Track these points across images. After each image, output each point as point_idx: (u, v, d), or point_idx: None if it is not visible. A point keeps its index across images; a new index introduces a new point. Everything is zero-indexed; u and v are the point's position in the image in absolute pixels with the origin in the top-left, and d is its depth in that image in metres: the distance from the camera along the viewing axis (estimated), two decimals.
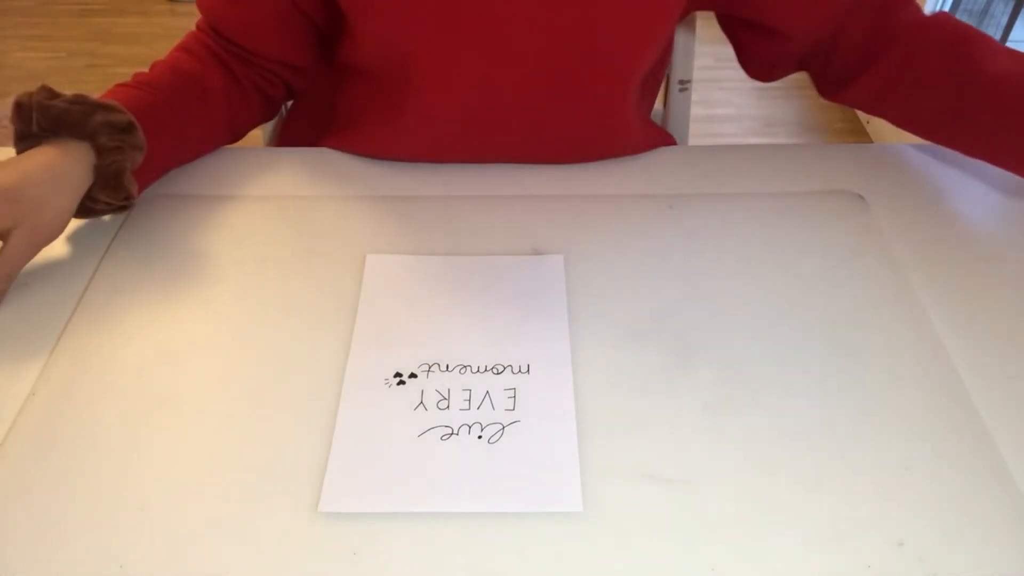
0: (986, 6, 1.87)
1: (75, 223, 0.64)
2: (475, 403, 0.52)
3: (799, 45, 0.73)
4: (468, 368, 0.54)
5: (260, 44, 0.71)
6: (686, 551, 0.44)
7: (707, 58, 2.27)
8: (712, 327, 0.57)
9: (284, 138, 0.89)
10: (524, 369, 0.54)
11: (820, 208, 0.68)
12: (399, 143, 0.72)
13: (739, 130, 2.09)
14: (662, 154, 0.75)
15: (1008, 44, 1.79)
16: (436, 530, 0.45)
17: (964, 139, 0.68)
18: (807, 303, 0.59)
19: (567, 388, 0.52)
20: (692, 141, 0.96)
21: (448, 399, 0.52)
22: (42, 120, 0.58)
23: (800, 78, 0.80)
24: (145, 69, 0.69)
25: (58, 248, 0.62)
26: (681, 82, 0.94)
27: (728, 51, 0.78)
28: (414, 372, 0.54)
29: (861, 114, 2.13)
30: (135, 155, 0.61)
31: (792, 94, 2.20)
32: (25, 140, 0.60)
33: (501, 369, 0.54)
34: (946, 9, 1.85)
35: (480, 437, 0.50)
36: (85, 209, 0.62)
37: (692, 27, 0.89)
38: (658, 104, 0.90)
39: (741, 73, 0.79)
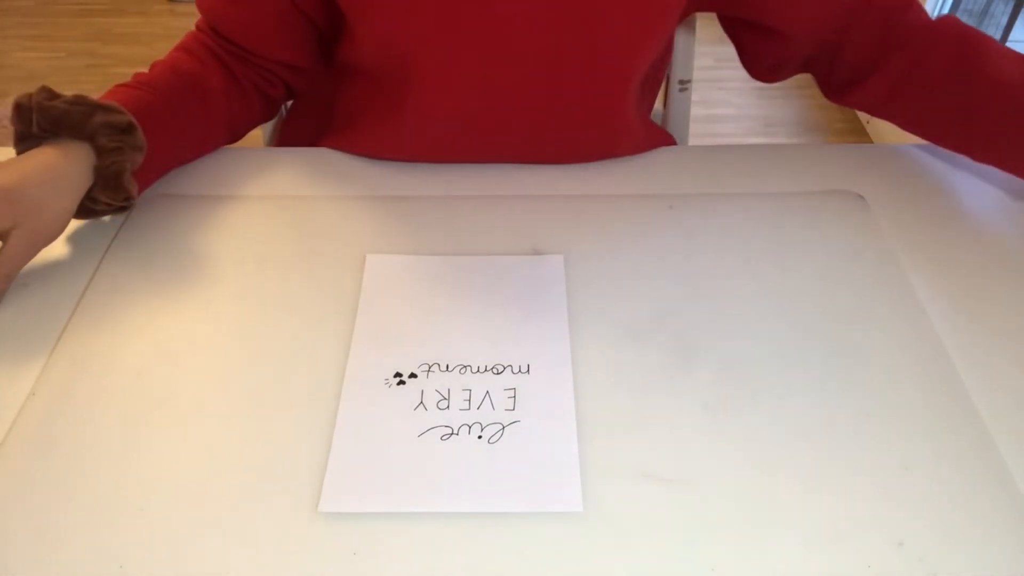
0: (986, 6, 1.87)
1: (75, 223, 0.64)
2: (475, 403, 0.52)
3: (801, 46, 0.73)
4: (468, 368, 0.54)
5: (260, 44, 0.71)
6: (686, 551, 0.44)
7: (707, 58, 2.27)
8: (712, 327, 0.57)
9: (284, 138, 0.89)
10: (524, 369, 0.54)
11: (820, 208, 0.68)
12: (399, 143, 0.72)
13: (739, 130, 2.09)
14: (662, 154, 0.75)
15: (1008, 44, 1.79)
16: (436, 530, 0.45)
17: (972, 145, 0.68)
18: (807, 303, 0.59)
19: (567, 388, 0.52)
20: (692, 141, 0.96)
21: (448, 399, 0.52)
22: (42, 121, 0.58)
23: (800, 78, 0.80)
24: (145, 69, 0.69)
25: (58, 248, 0.62)
26: (681, 82, 0.94)
27: (728, 51, 0.78)
28: (414, 372, 0.54)
29: (861, 114, 2.13)
30: (135, 156, 0.61)
31: (792, 94, 2.20)
32: (25, 141, 0.60)
33: (501, 369, 0.54)
34: (946, 9, 1.85)
35: (480, 437, 0.50)
36: (85, 210, 0.62)
37: (692, 27, 0.89)
38: (658, 104, 0.90)
39: (741, 73, 0.79)
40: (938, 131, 0.70)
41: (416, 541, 0.45)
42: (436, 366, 0.54)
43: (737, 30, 0.76)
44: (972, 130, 0.67)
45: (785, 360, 0.55)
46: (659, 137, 0.80)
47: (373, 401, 0.52)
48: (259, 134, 0.91)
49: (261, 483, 0.47)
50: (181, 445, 0.49)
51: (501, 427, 0.50)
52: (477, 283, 0.60)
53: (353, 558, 0.44)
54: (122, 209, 0.64)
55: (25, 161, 0.58)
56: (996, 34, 1.81)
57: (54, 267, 0.62)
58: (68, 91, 0.61)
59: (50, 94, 0.60)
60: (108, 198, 0.61)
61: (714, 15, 0.76)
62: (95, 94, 0.62)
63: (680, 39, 0.90)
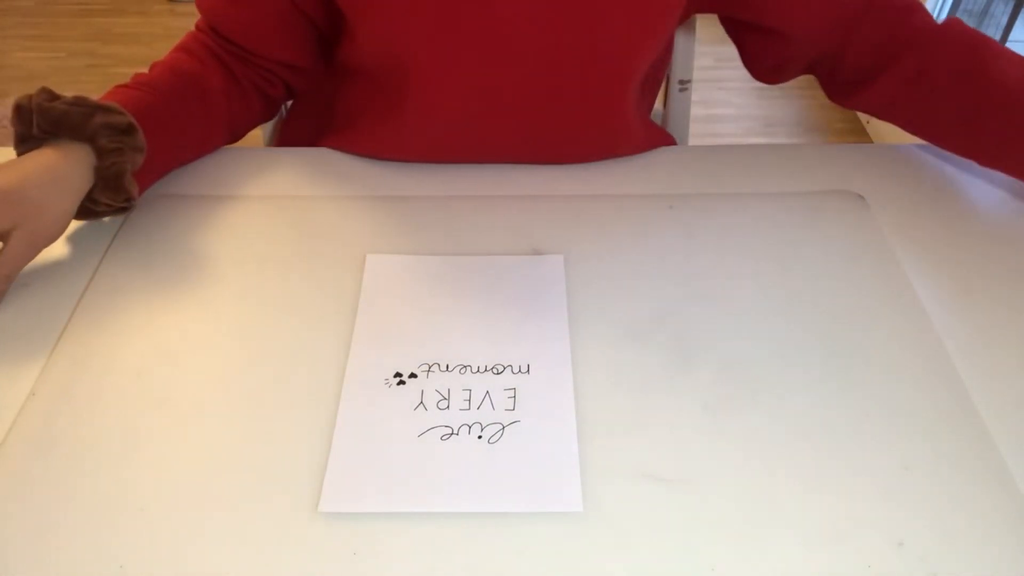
0: (986, 6, 1.87)
1: (75, 223, 0.64)
2: (475, 403, 0.52)
3: (802, 47, 0.73)
4: (468, 368, 0.54)
5: (260, 44, 0.71)
6: (686, 551, 0.44)
7: (707, 58, 2.27)
8: (712, 327, 0.57)
9: (284, 138, 0.89)
10: (524, 369, 0.54)
11: (820, 208, 0.68)
12: (399, 143, 0.72)
13: (739, 130, 2.09)
14: (662, 154, 0.75)
15: (1008, 44, 1.79)
16: (436, 530, 0.45)
17: (978, 150, 0.68)
18: (807, 303, 0.59)
19: (567, 388, 0.52)
20: (692, 141, 0.96)
21: (448, 399, 0.52)
22: (42, 122, 0.58)
23: (801, 78, 0.80)
24: (145, 69, 0.69)
25: (58, 248, 0.62)
26: (681, 82, 0.94)
27: (728, 51, 0.79)
28: (414, 372, 0.54)
29: (861, 114, 2.13)
30: (135, 157, 0.61)
31: (792, 94, 2.20)
32: (26, 142, 0.60)
33: (501, 369, 0.54)
34: (946, 9, 1.85)
35: (480, 437, 0.50)
36: (86, 211, 0.62)
37: (692, 27, 0.89)
38: (658, 104, 0.90)
39: (741, 73, 0.79)
40: (944, 135, 0.71)
41: (416, 541, 0.45)
42: (436, 366, 0.54)
43: (738, 31, 0.76)
44: (979, 135, 0.67)
45: (785, 360, 0.55)
46: (659, 137, 0.80)
47: (373, 401, 0.52)
48: (259, 134, 0.91)
49: (261, 483, 0.47)
50: (181, 445, 0.49)
51: (501, 427, 0.50)
52: (477, 283, 0.60)
53: (353, 558, 0.44)
54: (122, 210, 0.64)
55: (26, 162, 0.58)
56: (996, 34, 1.81)
57: (54, 267, 0.62)
58: (68, 91, 0.61)
59: (50, 95, 0.60)
60: (108, 199, 0.61)
61: (714, 15, 0.76)
62: (95, 94, 0.62)
63: (680, 39, 0.90)
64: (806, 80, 0.78)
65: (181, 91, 0.68)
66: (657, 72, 0.81)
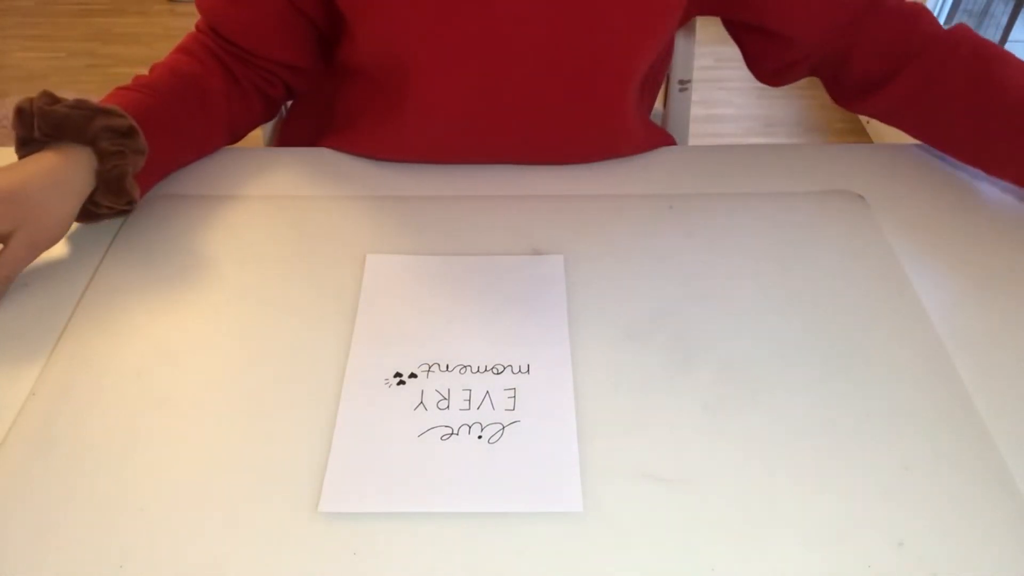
0: (986, 6, 1.87)
1: (75, 224, 0.64)
2: (475, 403, 0.52)
3: (805, 50, 0.73)
4: (468, 368, 0.54)
5: (259, 44, 0.71)
6: (686, 551, 0.44)
7: (707, 58, 2.27)
8: (712, 327, 0.57)
9: (284, 138, 0.89)
10: (524, 369, 0.54)
11: (820, 208, 0.68)
12: (399, 143, 0.72)
13: (739, 130, 2.09)
14: (662, 154, 0.75)
15: (1008, 44, 1.79)
16: (436, 530, 0.45)
17: (986, 158, 0.69)
18: (807, 303, 0.59)
19: (567, 388, 0.52)
20: (692, 141, 0.96)
21: (448, 399, 0.52)
22: (43, 125, 0.59)
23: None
24: (145, 69, 0.69)
25: (58, 248, 0.62)
26: (681, 82, 0.94)
27: (728, 51, 0.79)
28: (414, 372, 0.54)
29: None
30: (136, 159, 0.62)
31: (792, 94, 2.20)
32: (27, 145, 0.60)
33: (501, 369, 0.54)
34: (946, 9, 1.85)
35: (480, 437, 0.50)
36: (87, 213, 0.62)
37: (692, 28, 0.89)
38: (658, 104, 0.90)
39: (741, 73, 0.79)
40: (952, 143, 0.71)
41: (416, 541, 0.45)
42: (436, 366, 0.54)
43: (740, 33, 0.76)
44: (987, 145, 0.67)
45: (785, 360, 0.55)
46: (659, 137, 0.80)
47: (373, 401, 0.52)
48: (259, 134, 0.91)
49: (261, 483, 0.47)
50: (181, 445, 0.49)
51: (501, 427, 0.50)
52: (477, 283, 0.60)
53: (353, 558, 0.44)
54: (124, 212, 0.64)
55: (27, 165, 0.58)
56: (996, 34, 1.81)
57: (54, 267, 0.62)
58: (68, 91, 0.61)
59: (51, 98, 0.60)
60: (110, 202, 0.62)
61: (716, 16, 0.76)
62: (95, 94, 0.62)
63: (680, 39, 0.90)
64: (806, 80, 0.78)
65: (181, 93, 0.68)
66: (657, 72, 0.81)
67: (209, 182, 0.70)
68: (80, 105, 0.60)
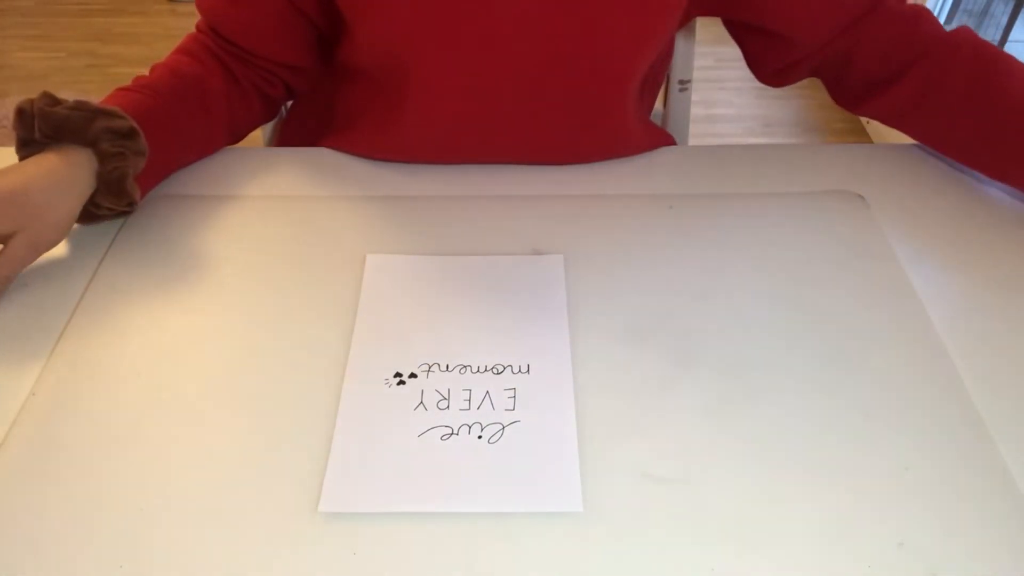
0: (986, 6, 1.87)
1: (75, 224, 0.64)
2: (475, 403, 0.52)
3: (806, 51, 0.73)
4: (468, 368, 0.54)
5: (259, 45, 0.71)
6: (686, 551, 0.44)
7: (707, 58, 2.27)
8: (712, 327, 0.57)
9: (284, 138, 0.89)
10: (524, 369, 0.54)
11: (820, 208, 0.68)
12: (399, 144, 0.72)
13: (739, 130, 2.09)
14: (662, 154, 0.75)
15: (1008, 44, 1.79)
16: (436, 530, 0.45)
17: (988, 162, 0.69)
18: (807, 303, 0.59)
19: (567, 388, 0.52)
20: (692, 141, 0.96)
21: (448, 399, 0.52)
22: (44, 127, 0.59)
23: None
24: (145, 69, 0.69)
25: (58, 248, 0.62)
26: (681, 82, 0.94)
27: (728, 51, 0.79)
28: (414, 372, 0.54)
29: None
30: (137, 160, 0.62)
31: (791, 94, 2.20)
32: (28, 146, 0.60)
33: (501, 369, 0.54)
34: (946, 9, 1.85)
35: (480, 437, 0.50)
36: (87, 214, 0.62)
37: (692, 28, 0.89)
38: (658, 104, 0.90)
39: (741, 73, 0.80)
40: (953, 147, 0.71)
41: (416, 541, 0.45)
42: (436, 366, 0.54)
43: (741, 34, 0.76)
44: (989, 148, 0.67)
45: (785, 360, 0.55)
46: (659, 137, 0.80)
47: (373, 401, 0.52)
48: (259, 134, 0.91)
49: (261, 483, 0.47)
50: (181, 445, 0.49)
51: (501, 427, 0.50)
52: (477, 283, 0.60)
53: (353, 558, 0.44)
54: (124, 213, 0.64)
55: (28, 167, 0.58)
56: (996, 34, 1.81)
57: (54, 267, 0.62)
58: (68, 91, 0.62)
59: (51, 100, 0.60)
60: (111, 203, 0.62)
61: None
62: (95, 94, 0.62)
63: (680, 40, 0.90)
64: (806, 80, 0.78)
65: (182, 93, 0.68)
66: (657, 73, 0.81)
67: (209, 182, 0.70)
68: (81, 106, 0.60)
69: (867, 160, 0.73)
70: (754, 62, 0.78)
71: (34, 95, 0.60)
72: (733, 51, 0.78)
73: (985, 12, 1.87)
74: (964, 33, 0.69)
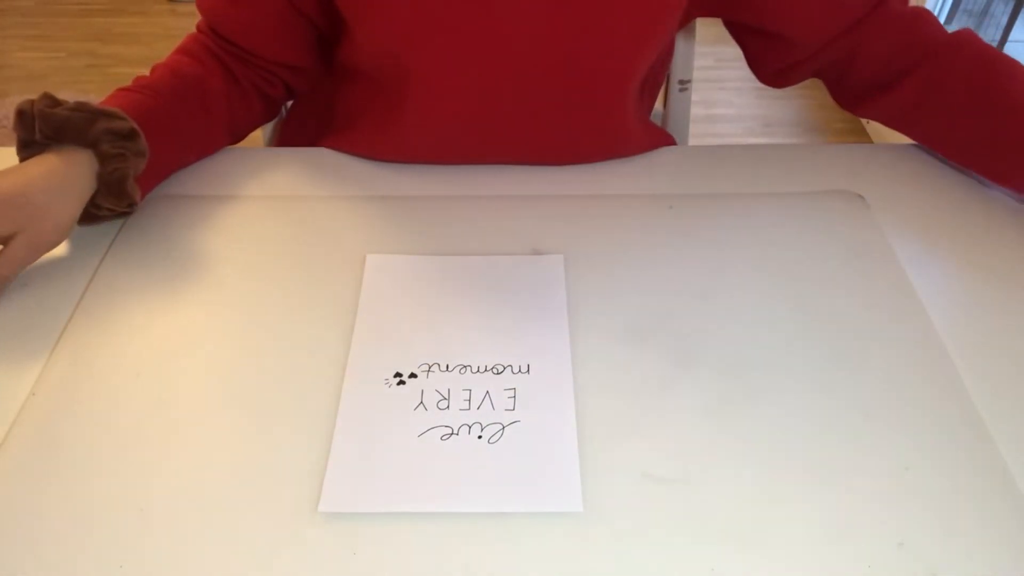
0: (986, 6, 1.87)
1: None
2: (475, 403, 0.52)
3: (806, 52, 0.72)
4: (468, 368, 0.54)
5: (259, 45, 0.71)
6: (686, 551, 0.44)
7: (707, 58, 2.27)
8: (712, 327, 0.57)
9: (284, 138, 0.89)
10: (524, 369, 0.54)
11: (820, 208, 0.68)
12: (399, 144, 0.72)
13: (739, 130, 2.09)
14: (662, 154, 0.75)
15: (1008, 44, 1.79)
16: (436, 530, 0.45)
17: (989, 166, 0.69)
18: (807, 303, 0.59)
19: (567, 388, 0.52)
20: (692, 141, 0.96)
21: (448, 399, 0.52)
22: (44, 128, 0.59)
23: None
24: (145, 69, 0.69)
25: (58, 248, 0.62)
26: (681, 82, 0.94)
27: (727, 51, 0.79)
28: (414, 372, 0.54)
29: None
30: (138, 161, 0.62)
31: (792, 94, 2.20)
32: (28, 147, 0.60)
33: (501, 369, 0.54)
34: (946, 10, 1.85)
35: (480, 437, 0.50)
36: (88, 215, 0.62)
37: (692, 28, 0.89)
38: (658, 104, 0.90)
39: (741, 73, 0.80)
40: (955, 149, 0.71)
41: (416, 541, 0.45)
42: (436, 366, 0.54)
43: (741, 35, 0.76)
44: (990, 152, 0.67)
45: (785, 360, 0.55)
46: (659, 137, 0.80)
47: (373, 401, 0.52)
48: (259, 134, 0.91)
49: (261, 483, 0.47)
50: (181, 445, 0.49)
51: (501, 427, 0.50)
52: (477, 283, 0.60)
53: (353, 558, 0.44)
54: (125, 214, 0.64)
55: (29, 168, 0.58)
56: (996, 34, 1.81)
57: (54, 267, 0.62)
58: (68, 91, 0.62)
59: (52, 101, 0.60)
60: (111, 204, 0.62)
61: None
62: (96, 94, 0.63)
63: (680, 40, 0.90)
64: (807, 80, 0.78)
65: (182, 94, 0.68)
66: (657, 73, 0.81)
67: (209, 182, 0.70)
68: (81, 107, 0.60)
69: (867, 160, 0.73)
70: (755, 63, 0.78)
71: (34, 95, 0.60)
72: (733, 51, 0.78)
73: (985, 12, 1.87)
74: (966, 35, 0.69)
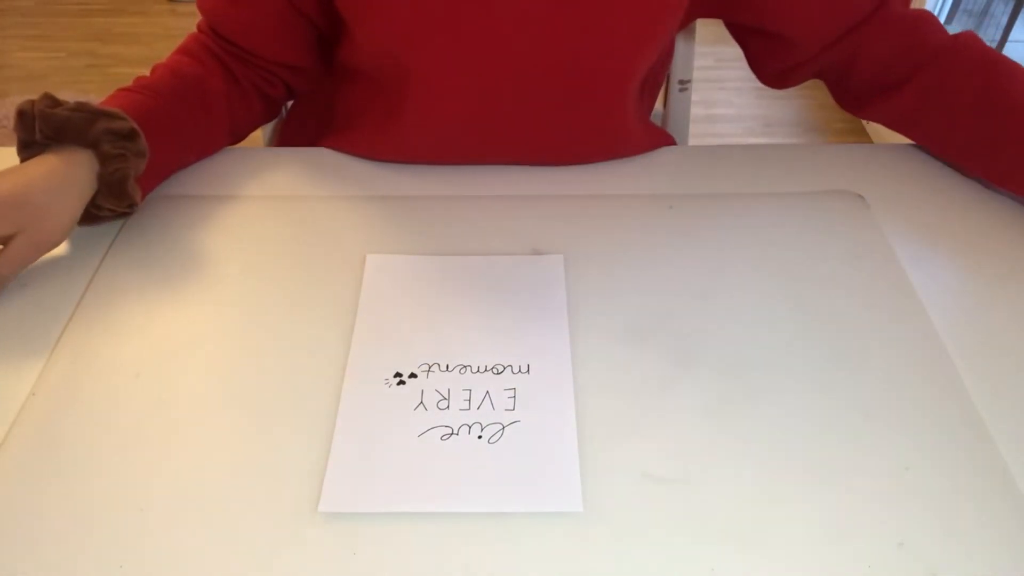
0: (986, 6, 1.87)
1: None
2: (475, 403, 0.52)
3: (807, 53, 0.72)
4: (468, 368, 0.54)
5: (259, 45, 0.71)
6: (686, 551, 0.44)
7: (707, 58, 2.26)
8: (712, 327, 0.57)
9: (284, 138, 0.89)
10: (524, 369, 0.54)
11: (820, 208, 0.68)
12: (399, 145, 0.72)
13: (739, 130, 2.09)
14: (662, 154, 0.75)
15: (1008, 44, 1.79)
16: (436, 530, 0.45)
17: (992, 169, 0.68)
18: (807, 303, 0.59)
19: (567, 388, 0.52)
20: (692, 141, 0.96)
21: (448, 399, 0.52)
22: (45, 128, 0.59)
23: None
24: (145, 69, 0.69)
25: (58, 248, 0.62)
26: (681, 82, 0.94)
27: (728, 51, 0.79)
28: (414, 372, 0.54)
29: None
30: (138, 162, 0.62)
31: (792, 94, 2.20)
32: (28, 148, 0.60)
33: (501, 369, 0.54)
34: (946, 10, 1.85)
35: (480, 437, 0.50)
36: (88, 216, 0.62)
37: (692, 29, 0.89)
38: (658, 104, 0.90)
39: (741, 73, 0.80)
40: (957, 152, 0.71)
41: (416, 541, 0.45)
42: (436, 366, 0.54)
43: (742, 35, 0.76)
44: (992, 154, 0.67)
45: (785, 360, 0.55)
46: (659, 137, 0.80)
47: (373, 401, 0.52)
48: (259, 134, 0.91)
49: (261, 483, 0.47)
50: (181, 445, 0.49)
51: (501, 427, 0.50)
52: (477, 283, 0.60)
53: (353, 558, 0.44)
54: (125, 214, 0.64)
55: (30, 168, 0.58)
56: (996, 34, 1.81)
57: (54, 267, 0.62)
58: (69, 91, 0.62)
59: (52, 101, 0.60)
60: (112, 204, 0.62)
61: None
62: (96, 94, 0.63)
63: (680, 40, 0.90)
64: (807, 81, 0.78)
65: (182, 94, 0.68)
66: (657, 73, 0.81)
67: (209, 182, 0.70)
68: (81, 108, 0.60)
69: (867, 160, 0.73)
70: (756, 64, 0.78)
71: (34, 95, 0.60)
72: (733, 51, 0.78)
73: (985, 12, 1.87)
74: (967, 38, 0.69)
